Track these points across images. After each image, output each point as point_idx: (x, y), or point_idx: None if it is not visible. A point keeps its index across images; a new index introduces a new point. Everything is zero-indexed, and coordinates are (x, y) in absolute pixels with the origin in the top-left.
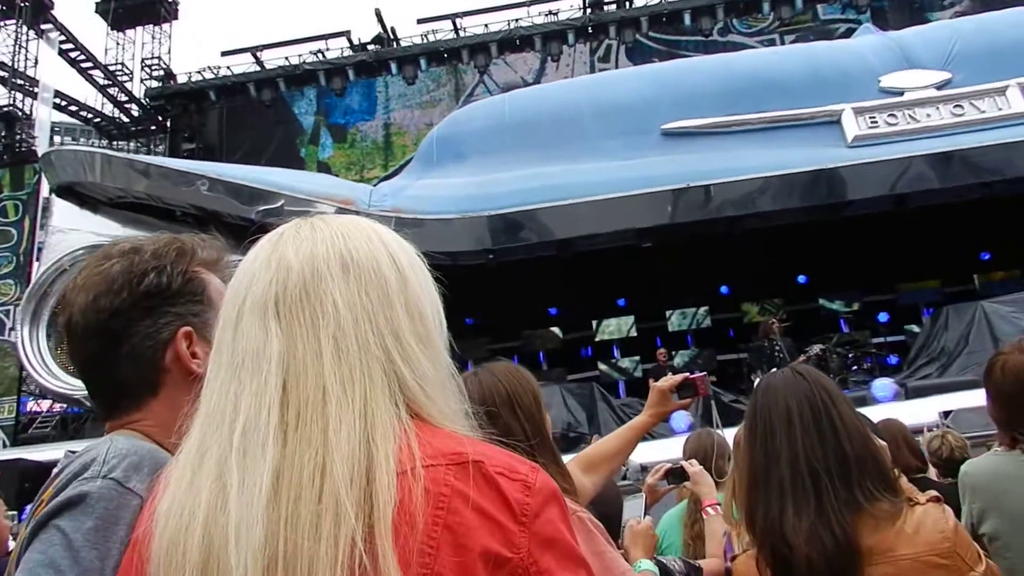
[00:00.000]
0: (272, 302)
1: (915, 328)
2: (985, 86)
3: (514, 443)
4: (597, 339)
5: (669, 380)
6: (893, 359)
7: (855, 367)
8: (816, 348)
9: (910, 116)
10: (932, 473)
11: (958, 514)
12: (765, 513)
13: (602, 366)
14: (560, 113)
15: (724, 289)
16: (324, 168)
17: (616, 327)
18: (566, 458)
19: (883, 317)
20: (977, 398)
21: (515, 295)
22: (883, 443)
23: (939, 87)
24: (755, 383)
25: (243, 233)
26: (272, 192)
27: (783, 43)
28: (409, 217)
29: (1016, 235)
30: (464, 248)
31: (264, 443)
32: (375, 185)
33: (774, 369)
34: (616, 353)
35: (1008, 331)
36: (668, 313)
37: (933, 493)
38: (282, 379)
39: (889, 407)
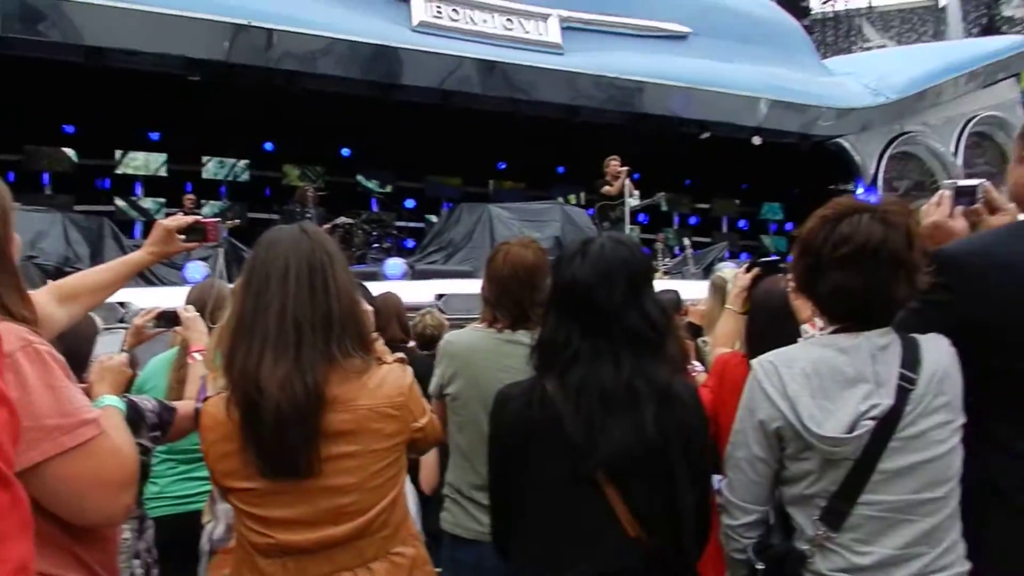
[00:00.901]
0: None
1: (434, 218)
2: (532, 7)
3: None
4: (119, 171)
5: (176, 219)
6: (410, 243)
7: (376, 245)
8: (343, 220)
9: (470, 17)
10: (414, 345)
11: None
12: (244, 358)
13: (120, 202)
14: None
15: (269, 146)
16: None
17: (143, 162)
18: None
19: (410, 203)
20: (467, 286)
21: (24, 100)
22: (370, 309)
23: None
24: None
25: None
26: None
27: None
28: None
29: (525, 153)
30: None
31: None
32: None
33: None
34: (139, 191)
35: (504, 233)
36: (205, 159)
37: (400, 355)
38: None
39: (396, 284)
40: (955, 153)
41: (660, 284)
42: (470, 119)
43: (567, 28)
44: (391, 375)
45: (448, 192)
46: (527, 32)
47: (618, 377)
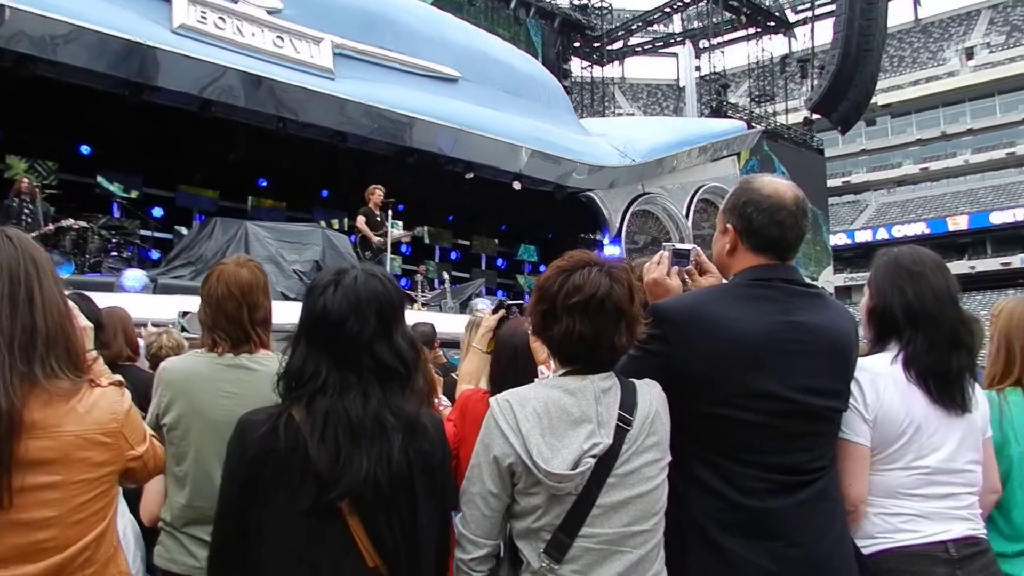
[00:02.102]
0: None
1: (184, 230)
2: (306, 29)
3: None
4: None
5: None
6: (155, 254)
7: (115, 253)
8: (72, 223)
9: (237, 28)
10: (146, 365)
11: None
12: None
13: None
14: None
15: None
16: None
17: None
18: None
19: (158, 212)
20: None
21: None
22: (88, 324)
23: (270, 12)
24: None
25: None
26: None
27: None
28: None
29: (289, 172)
30: None
31: None
32: None
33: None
34: None
35: (261, 252)
36: None
37: (117, 378)
38: None
39: (135, 297)
40: (686, 216)
41: (418, 316)
42: (231, 131)
43: (339, 55)
44: (104, 399)
45: (202, 204)
46: (298, 52)
47: (366, 409)
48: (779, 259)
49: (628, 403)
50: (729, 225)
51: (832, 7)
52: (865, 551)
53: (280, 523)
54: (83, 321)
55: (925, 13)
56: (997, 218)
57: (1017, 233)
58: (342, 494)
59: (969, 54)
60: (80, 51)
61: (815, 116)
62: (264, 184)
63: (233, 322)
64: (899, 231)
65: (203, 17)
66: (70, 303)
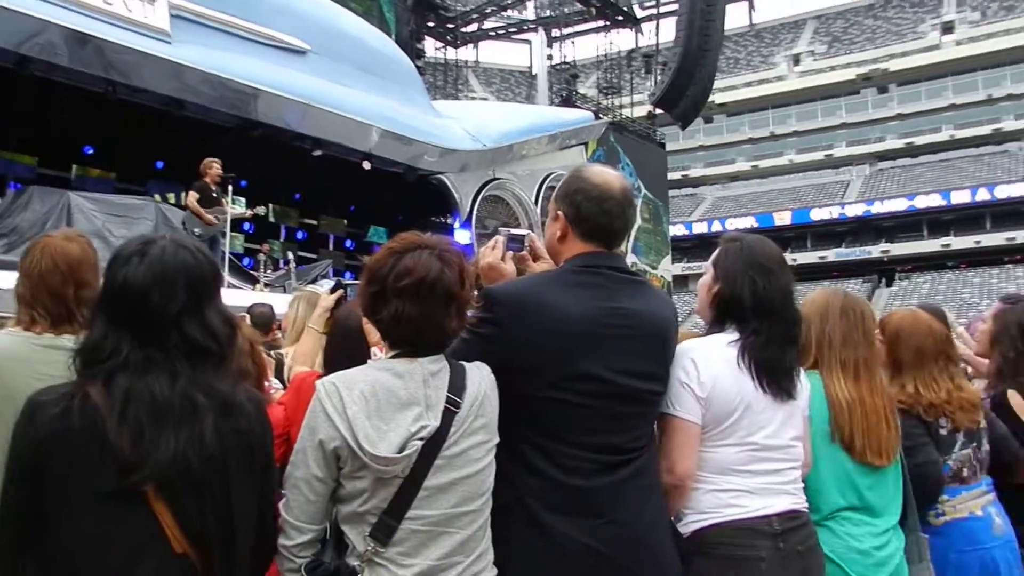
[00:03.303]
0: None
1: None
2: None
3: None
4: None
5: None
6: None
7: None
8: None
9: None
10: None
11: None
12: None
13: None
14: None
15: None
16: None
17: None
18: None
19: None
20: None
21: None
22: None
23: None
24: None
25: None
26: None
27: None
28: None
29: (119, 140)
30: None
31: None
32: None
33: None
34: None
35: (85, 226)
36: None
37: None
38: None
39: None
40: (535, 202)
41: (260, 297)
42: (52, 92)
43: (176, 16)
44: None
45: (18, 171)
46: (130, 11)
47: (174, 387)
48: (606, 247)
49: (457, 385)
50: (560, 212)
51: (676, 6)
52: (696, 525)
53: (76, 511)
54: None
55: (759, 19)
56: (816, 215)
57: (832, 230)
58: (145, 478)
59: (796, 60)
60: None
61: (658, 111)
62: (91, 152)
63: (56, 299)
64: (731, 224)
65: None
66: None
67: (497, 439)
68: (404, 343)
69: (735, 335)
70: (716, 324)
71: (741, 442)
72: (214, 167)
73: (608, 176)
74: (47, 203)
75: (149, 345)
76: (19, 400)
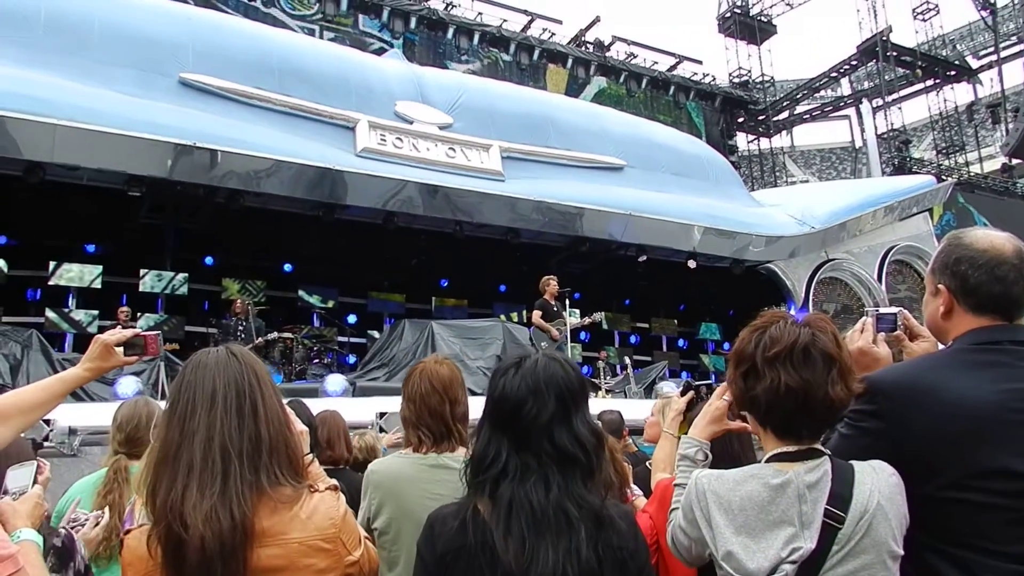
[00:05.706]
0: None
1: (376, 334)
2: (475, 139)
3: None
4: (52, 283)
5: (116, 334)
6: (352, 358)
7: (316, 360)
8: (281, 335)
9: (413, 145)
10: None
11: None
12: (168, 490)
13: (50, 313)
14: (63, 17)
15: (208, 260)
16: None
17: (78, 274)
18: None
19: (352, 319)
20: None
21: None
22: (304, 429)
23: (441, 127)
24: None
25: None
26: None
27: (321, 37)
28: None
29: (467, 271)
30: None
31: None
32: None
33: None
34: (71, 303)
35: (445, 351)
36: (143, 272)
37: (333, 482)
38: None
39: (337, 401)
40: (879, 279)
41: (604, 404)
42: (413, 238)
43: (507, 158)
44: (323, 504)
45: (391, 308)
46: (469, 160)
47: (548, 497)
48: (1005, 319)
49: (840, 496)
50: (941, 286)
51: (1020, 47)
52: None
53: None
54: (299, 425)
55: None
56: None
57: None
58: None
59: None
60: (280, 181)
61: (1015, 161)
62: (445, 284)
63: (436, 418)
64: None
65: (383, 139)
66: (287, 409)
67: (900, 552)
68: (788, 424)
69: None
70: None
71: None
72: (552, 283)
73: (995, 239)
74: (415, 333)
75: (524, 452)
76: (415, 517)
